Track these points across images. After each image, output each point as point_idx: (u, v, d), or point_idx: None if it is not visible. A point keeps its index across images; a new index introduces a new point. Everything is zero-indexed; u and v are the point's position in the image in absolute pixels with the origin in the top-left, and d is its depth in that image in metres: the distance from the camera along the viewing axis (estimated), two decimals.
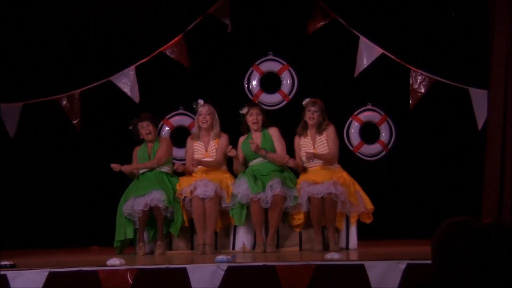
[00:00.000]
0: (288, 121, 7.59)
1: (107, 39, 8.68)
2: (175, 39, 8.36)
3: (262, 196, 6.75)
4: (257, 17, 8.76)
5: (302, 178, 6.94)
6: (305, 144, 7.05)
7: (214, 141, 7.16)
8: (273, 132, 7.14)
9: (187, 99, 8.48)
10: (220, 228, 6.99)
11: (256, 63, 8.77)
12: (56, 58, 8.61)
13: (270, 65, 8.78)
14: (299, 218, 6.88)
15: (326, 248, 6.73)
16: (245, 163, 7.19)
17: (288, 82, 8.73)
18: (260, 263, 5.54)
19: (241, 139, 7.22)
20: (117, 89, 8.37)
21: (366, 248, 6.91)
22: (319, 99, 7.11)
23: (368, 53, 8.28)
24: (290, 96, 8.70)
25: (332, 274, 5.33)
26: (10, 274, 5.43)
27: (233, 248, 7.02)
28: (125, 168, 7.12)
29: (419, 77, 8.28)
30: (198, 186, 6.83)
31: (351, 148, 8.57)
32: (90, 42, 8.71)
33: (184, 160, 7.45)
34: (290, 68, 8.74)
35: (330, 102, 7.41)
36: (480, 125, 8.05)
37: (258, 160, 7.06)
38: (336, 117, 7.37)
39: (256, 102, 8.29)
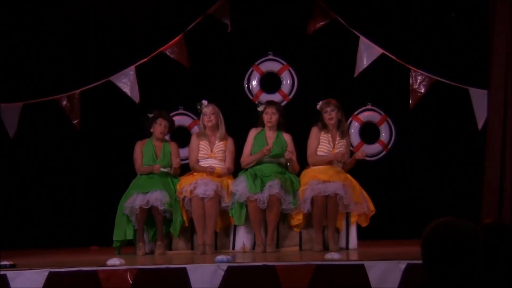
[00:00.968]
0: (288, 121, 7.59)
1: (107, 39, 8.68)
2: (175, 39, 8.36)
3: (259, 197, 6.75)
4: (257, 17, 8.76)
5: (311, 175, 6.93)
6: (326, 142, 7.04)
7: (221, 142, 7.16)
8: (288, 138, 7.16)
9: (187, 99, 8.50)
10: (220, 228, 6.99)
11: (256, 63, 8.77)
12: (56, 58, 8.61)
13: (270, 65, 8.78)
14: (298, 219, 6.89)
15: (326, 248, 6.73)
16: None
17: (288, 82, 8.73)
18: (260, 263, 5.54)
19: (254, 132, 7.20)
20: (117, 89, 8.37)
21: (366, 248, 6.91)
22: (331, 99, 7.12)
23: (368, 53, 8.28)
24: (290, 96, 8.70)
25: (332, 274, 5.33)
26: (10, 274, 5.43)
27: (233, 248, 7.02)
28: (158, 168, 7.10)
29: (419, 77, 8.29)
30: (199, 185, 6.83)
31: (351, 148, 8.56)
32: (90, 42, 8.71)
33: (186, 159, 7.44)
34: (290, 68, 8.74)
35: None
36: (480, 125, 8.05)
37: (262, 160, 7.07)
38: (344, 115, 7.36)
39: (256, 102, 8.30)
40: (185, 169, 7.34)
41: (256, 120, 7.24)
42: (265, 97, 8.53)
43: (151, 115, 7.28)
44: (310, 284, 5.29)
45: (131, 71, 8.36)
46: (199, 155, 7.17)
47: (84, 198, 8.68)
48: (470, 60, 8.34)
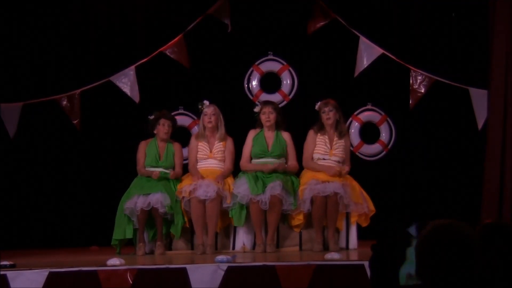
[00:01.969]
0: (288, 121, 7.59)
1: (107, 39, 8.68)
2: (175, 39, 8.36)
3: (261, 198, 6.75)
4: (257, 17, 8.76)
5: (310, 175, 6.92)
6: (323, 143, 7.05)
7: (220, 143, 7.16)
8: (288, 137, 7.17)
9: (187, 99, 8.50)
10: (220, 228, 6.99)
11: (256, 63, 8.76)
12: (56, 58, 8.61)
13: (270, 65, 8.78)
14: (298, 219, 6.89)
15: (326, 248, 6.74)
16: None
17: (288, 82, 8.73)
18: (260, 263, 5.54)
19: (253, 133, 7.21)
20: (117, 89, 8.37)
21: (366, 248, 6.85)
22: (330, 99, 7.13)
23: (368, 53, 8.28)
24: (290, 96, 8.70)
25: (332, 274, 5.33)
26: (10, 274, 5.43)
27: (233, 248, 7.02)
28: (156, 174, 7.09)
29: (419, 77, 8.28)
30: (200, 186, 6.82)
31: (351, 148, 8.56)
32: (90, 42, 8.70)
33: (185, 159, 7.44)
34: (290, 68, 8.74)
35: None
36: (480, 125, 8.05)
37: (262, 160, 7.08)
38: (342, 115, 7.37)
39: (256, 101, 8.30)
40: (186, 169, 7.35)
41: (254, 122, 7.25)
42: (265, 97, 8.52)
43: (151, 117, 7.28)
44: (310, 284, 5.29)
45: (131, 71, 8.36)
46: (199, 155, 7.17)
47: (84, 198, 8.68)
48: (470, 60, 8.33)
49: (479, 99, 8.04)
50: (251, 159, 7.17)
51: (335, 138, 7.06)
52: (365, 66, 8.29)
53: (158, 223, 6.88)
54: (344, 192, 6.71)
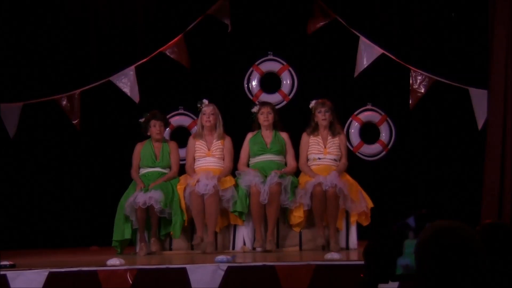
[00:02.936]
0: (288, 121, 7.60)
1: (107, 39, 8.68)
2: (175, 39, 8.37)
3: (262, 188, 6.78)
4: (257, 17, 8.76)
5: (307, 178, 6.96)
6: (316, 144, 7.07)
7: (218, 141, 7.18)
8: (286, 137, 7.22)
9: (187, 99, 8.51)
10: (220, 228, 7.00)
11: (256, 63, 8.77)
12: (56, 58, 8.61)
13: (270, 65, 8.79)
14: (299, 216, 6.89)
15: (327, 246, 6.76)
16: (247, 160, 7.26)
17: (288, 82, 8.74)
18: (260, 263, 5.54)
19: (250, 135, 7.25)
20: (117, 89, 8.37)
21: None
22: (326, 99, 7.14)
23: (368, 53, 8.28)
24: (290, 96, 8.71)
25: (332, 274, 5.33)
26: (10, 274, 5.43)
27: (233, 248, 7.03)
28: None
29: (419, 77, 8.28)
30: (200, 180, 6.84)
31: (351, 148, 8.57)
32: (90, 42, 8.70)
33: (184, 160, 7.45)
34: (290, 68, 8.75)
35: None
36: (480, 125, 8.05)
37: (262, 157, 7.09)
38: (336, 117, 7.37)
39: (256, 102, 8.30)
40: (183, 168, 7.37)
41: (251, 123, 7.26)
42: (265, 97, 8.53)
43: (142, 120, 7.30)
44: (310, 284, 5.29)
45: (131, 71, 8.36)
46: (197, 154, 7.18)
47: (84, 198, 8.68)
48: (470, 60, 8.33)
49: (479, 99, 8.04)
50: (248, 162, 7.19)
51: (329, 137, 7.09)
52: (365, 66, 8.29)
53: (153, 220, 6.89)
54: (343, 184, 6.73)
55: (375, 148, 8.66)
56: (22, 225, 8.58)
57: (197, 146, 7.20)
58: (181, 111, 8.68)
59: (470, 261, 2.16)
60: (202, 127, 7.23)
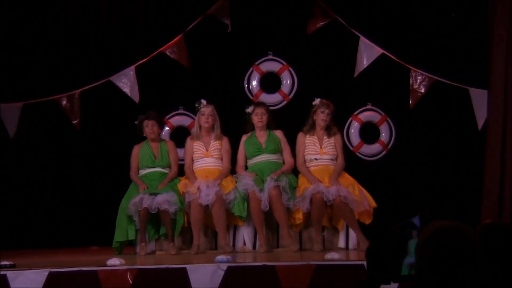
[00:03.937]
0: (288, 121, 7.60)
1: (107, 39, 8.68)
2: (175, 39, 8.36)
3: (261, 196, 6.76)
4: (257, 17, 8.75)
5: (306, 183, 6.95)
6: (312, 143, 7.08)
7: (216, 142, 7.18)
8: (281, 135, 7.23)
9: (187, 99, 8.50)
10: None
11: (256, 63, 8.76)
12: (56, 58, 8.60)
13: (270, 65, 8.78)
14: (298, 218, 6.89)
15: (326, 248, 6.75)
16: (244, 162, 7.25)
17: (288, 82, 8.73)
18: (260, 263, 5.55)
19: (244, 137, 7.26)
20: (117, 89, 8.37)
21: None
22: (329, 101, 7.16)
23: (368, 53, 8.28)
24: (290, 96, 8.70)
25: (332, 274, 5.33)
26: (10, 274, 5.44)
27: (233, 248, 7.02)
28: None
29: (419, 77, 8.28)
30: (201, 191, 6.82)
31: (351, 148, 8.57)
32: (90, 41, 8.70)
33: (182, 160, 7.44)
34: (290, 68, 8.74)
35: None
36: (480, 125, 8.05)
37: (258, 158, 7.09)
38: (336, 117, 7.37)
39: (256, 102, 8.30)
40: (183, 169, 7.37)
41: (241, 124, 7.26)
42: (265, 97, 8.53)
43: (137, 122, 7.31)
44: (310, 284, 5.29)
45: (131, 71, 8.36)
46: (195, 155, 7.18)
47: (84, 198, 8.68)
48: (470, 60, 8.33)
49: (479, 99, 8.04)
50: (246, 164, 7.19)
51: (325, 138, 7.10)
52: (365, 66, 8.29)
53: (167, 224, 6.85)
54: (346, 192, 6.72)
55: (375, 148, 8.65)
56: (22, 225, 8.57)
57: (195, 147, 7.20)
58: (181, 111, 8.68)
59: (470, 261, 2.16)
60: (200, 127, 7.23)
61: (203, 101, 7.24)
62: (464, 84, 8.17)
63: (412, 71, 8.29)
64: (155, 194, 6.88)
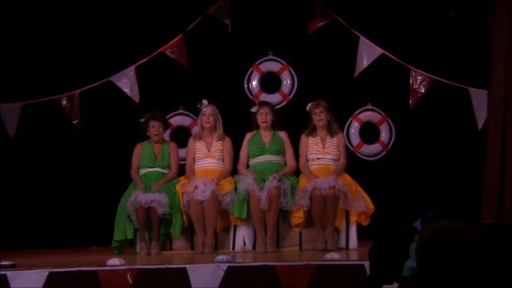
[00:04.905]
0: (288, 121, 7.60)
1: (107, 39, 8.68)
2: (175, 39, 8.37)
3: (261, 195, 6.76)
4: (257, 17, 8.76)
5: (306, 181, 6.95)
6: (314, 144, 7.09)
7: (218, 142, 7.17)
8: (285, 136, 7.23)
9: (187, 99, 8.50)
10: (220, 228, 6.99)
11: (256, 63, 8.77)
12: (56, 58, 8.61)
13: (270, 65, 8.78)
14: (299, 217, 6.89)
15: (328, 247, 6.75)
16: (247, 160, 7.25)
17: (288, 82, 8.73)
18: (260, 263, 5.54)
19: (248, 135, 7.26)
20: (117, 89, 8.37)
21: (366, 248, 6.82)
22: (320, 100, 7.15)
23: (368, 53, 8.29)
24: (290, 96, 8.70)
25: (332, 274, 5.33)
26: (10, 274, 5.43)
27: (233, 248, 7.02)
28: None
29: (419, 77, 8.29)
30: (198, 187, 6.83)
31: (351, 148, 8.57)
32: (90, 42, 8.71)
33: (184, 160, 7.44)
34: (290, 68, 8.74)
35: (330, 102, 7.41)
36: (480, 125, 8.05)
37: (261, 158, 7.09)
38: (336, 117, 7.37)
39: (256, 102, 8.30)
40: (183, 169, 7.36)
41: (250, 122, 7.27)
42: (265, 97, 8.53)
43: (142, 120, 7.30)
44: (310, 284, 5.29)
45: (131, 71, 8.36)
46: (197, 155, 7.18)
47: (84, 198, 8.68)
48: (470, 60, 8.33)
49: (479, 99, 8.04)
50: (248, 163, 7.19)
51: (327, 138, 7.11)
52: (365, 66, 8.29)
53: (154, 223, 6.88)
54: (341, 185, 6.73)
55: (375, 148, 8.66)
56: (22, 225, 8.57)
57: (197, 147, 7.20)
58: (181, 111, 8.68)
59: (470, 261, 2.15)
60: (202, 128, 7.22)
61: (204, 101, 7.24)
62: (464, 84, 8.17)
63: (412, 71, 8.29)
64: (149, 192, 6.89)
